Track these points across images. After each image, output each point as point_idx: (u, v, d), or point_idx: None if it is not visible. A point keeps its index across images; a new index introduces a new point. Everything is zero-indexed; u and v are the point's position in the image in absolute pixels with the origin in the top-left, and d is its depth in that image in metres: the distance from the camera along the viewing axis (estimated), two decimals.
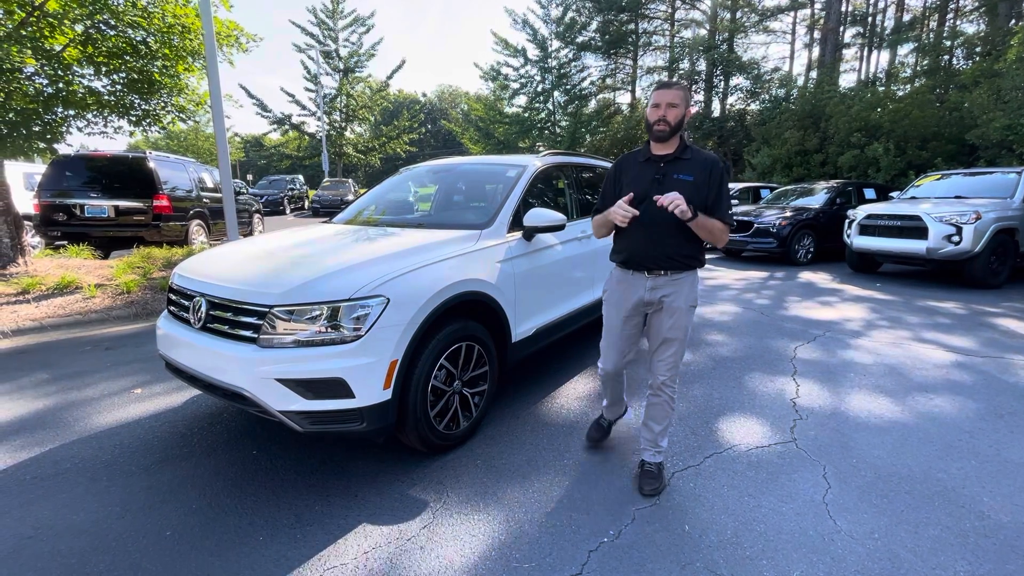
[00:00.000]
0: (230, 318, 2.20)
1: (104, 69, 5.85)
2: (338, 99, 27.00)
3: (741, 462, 2.46)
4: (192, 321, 2.34)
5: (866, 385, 3.40)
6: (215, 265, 2.55)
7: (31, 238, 8.68)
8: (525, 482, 2.30)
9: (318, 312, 2.08)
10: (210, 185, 9.87)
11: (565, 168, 3.83)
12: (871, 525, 1.99)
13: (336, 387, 2.05)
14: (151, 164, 8.08)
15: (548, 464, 2.45)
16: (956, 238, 6.54)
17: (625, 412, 2.78)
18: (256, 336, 2.10)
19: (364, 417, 2.11)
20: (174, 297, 2.58)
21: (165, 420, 2.91)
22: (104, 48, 5.66)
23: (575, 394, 3.27)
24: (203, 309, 2.30)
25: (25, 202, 8.28)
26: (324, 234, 2.97)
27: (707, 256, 10.13)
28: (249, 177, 42.66)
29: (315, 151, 27.31)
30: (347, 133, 28.21)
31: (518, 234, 2.99)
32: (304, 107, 26.87)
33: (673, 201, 1.91)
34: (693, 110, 2.14)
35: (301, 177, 26.67)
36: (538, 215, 2.83)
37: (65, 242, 8.13)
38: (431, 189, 3.81)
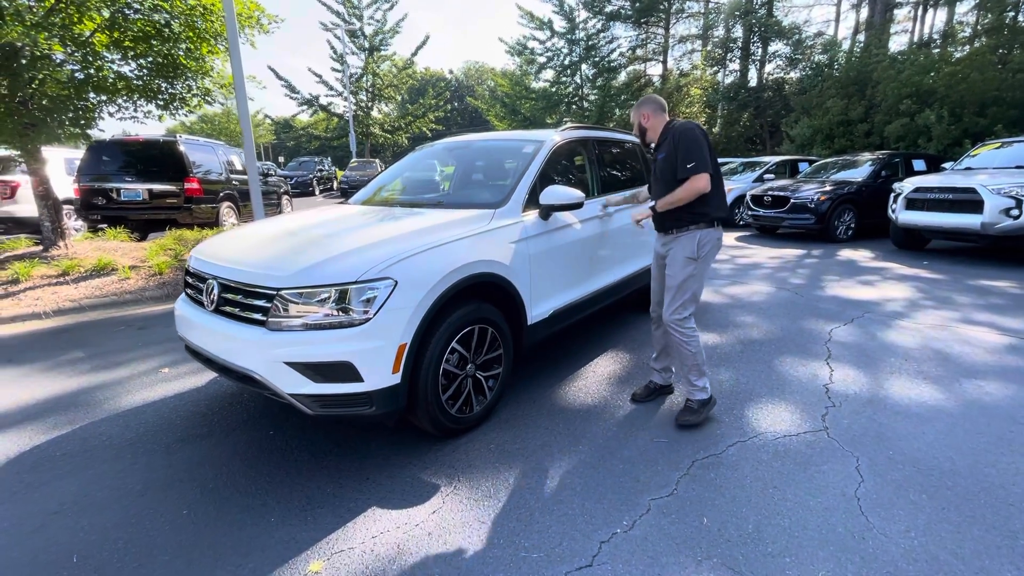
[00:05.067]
0: (241, 301, 2.19)
1: (131, 54, 5.92)
2: (364, 78, 26.95)
3: (767, 451, 2.33)
4: (206, 303, 2.35)
5: (907, 371, 3.19)
6: (229, 247, 2.55)
7: (73, 222, 9.06)
8: (538, 468, 2.24)
9: (325, 295, 2.04)
10: (239, 167, 10.02)
11: (587, 143, 3.65)
12: (907, 523, 1.85)
13: (344, 371, 2.02)
14: (181, 148, 8.23)
15: (563, 450, 2.39)
16: (1015, 212, 6.03)
17: (670, 388, 2.95)
18: (265, 319, 2.08)
19: (373, 401, 2.08)
20: (190, 280, 2.60)
21: (188, 399, 2.98)
22: (130, 33, 5.71)
23: (595, 377, 3.18)
24: (215, 292, 2.30)
25: (66, 187, 8.61)
26: (338, 215, 2.93)
27: (740, 234, 9.81)
28: (281, 159, 43.40)
29: (343, 132, 27.46)
30: (374, 112, 28.21)
31: (535, 213, 2.88)
32: (331, 87, 26.96)
33: (640, 218, 2.69)
34: (635, 121, 2.68)
35: (329, 159, 27.01)
36: (553, 193, 2.71)
37: (105, 225, 8.46)
38: (447, 167, 3.72)
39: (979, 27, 17.75)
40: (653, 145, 2.64)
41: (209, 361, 2.37)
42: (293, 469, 2.27)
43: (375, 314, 2.03)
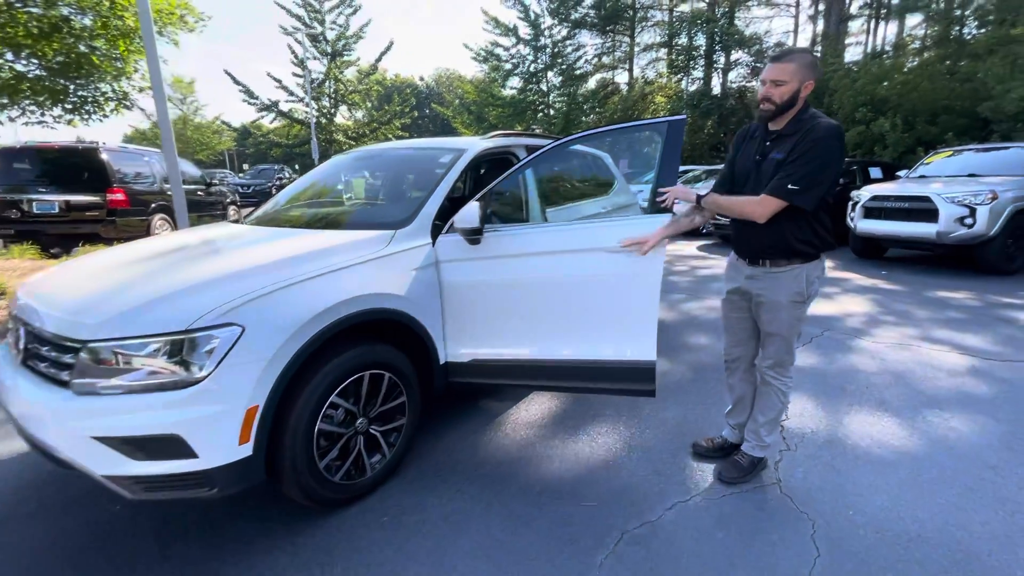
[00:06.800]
0: (45, 354, 1.72)
1: (26, 52, 5.31)
2: (326, 84, 26.22)
3: (710, 516, 1.98)
4: (14, 354, 1.87)
5: (868, 401, 2.91)
6: (54, 282, 2.07)
7: None
8: (434, 551, 1.83)
9: (145, 348, 1.59)
10: None
11: (522, 152, 3.25)
12: None
13: (171, 445, 1.58)
14: (103, 156, 7.55)
15: (469, 520, 1.98)
16: (969, 220, 5.97)
17: (738, 447, 2.33)
18: (69, 380, 1.62)
19: (213, 480, 1.64)
20: (11, 323, 2.10)
21: (30, 462, 2.45)
22: (21, 29, 5.10)
23: (527, 417, 2.79)
24: (23, 340, 1.82)
25: None
26: (202, 238, 2.47)
27: (702, 243, 9.60)
28: (245, 166, 42.00)
29: (307, 139, 26.64)
30: (337, 119, 27.46)
31: (454, 235, 2.42)
32: (292, 93, 26.11)
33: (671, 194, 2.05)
34: (797, 86, 1.85)
35: (297, 166, 26.19)
36: (460, 214, 2.25)
37: (21, 241, 7.69)
38: (354, 180, 3.28)
39: (927, 38, 18.35)
40: (774, 129, 1.94)
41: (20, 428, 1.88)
42: (125, 563, 1.80)
43: (212, 372, 1.59)
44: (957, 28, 16.74)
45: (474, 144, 2.87)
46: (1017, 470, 2.21)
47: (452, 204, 2.50)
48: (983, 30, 15.07)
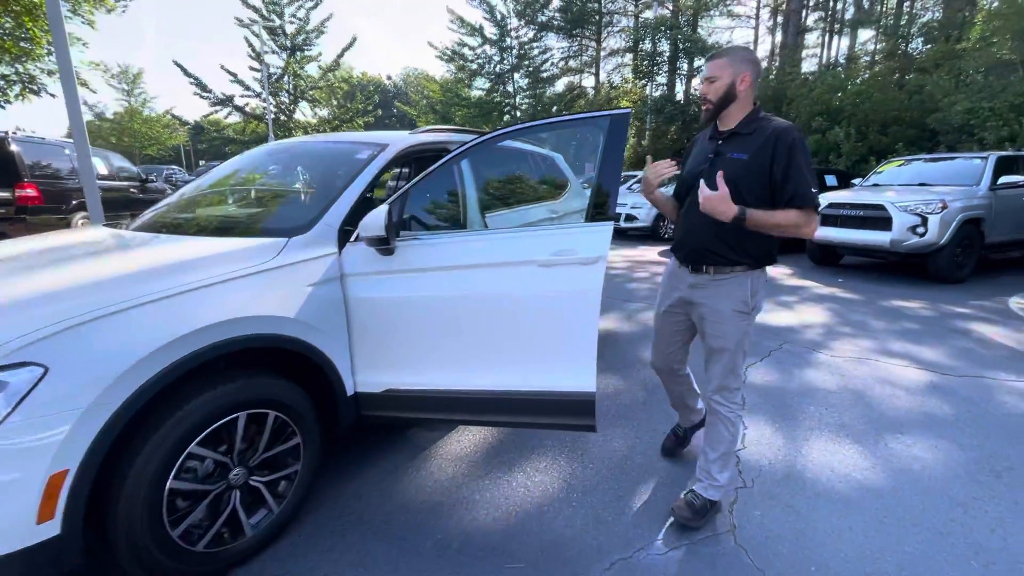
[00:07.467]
0: None
1: None
2: (284, 79, 25.24)
3: None
4: None
5: (829, 424, 2.70)
6: None
7: None
8: None
9: None
10: (104, 172, 8.62)
11: (455, 149, 2.89)
12: None
13: None
14: (13, 147, 6.81)
15: None
16: (921, 229, 6.01)
17: (702, 422, 2.27)
18: None
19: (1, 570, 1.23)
20: None
21: None
22: None
23: (453, 454, 2.45)
24: None
25: None
26: (44, 246, 2.02)
27: (664, 248, 9.49)
28: (202, 163, 40.20)
29: (265, 135, 25.56)
30: (297, 115, 26.49)
31: (364, 246, 2.04)
32: (248, 87, 24.98)
33: (710, 200, 1.67)
34: (730, 80, 1.78)
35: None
36: (365, 220, 1.88)
37: None
38: (256, 177, 2.86)
39: (877, 50, 19.11)
40: (725, 128, 1.85)
41: None
42: None
43: None
44: (904, 43, 17.46)
45: (399, 139, 2.51)
46: (987, 507, 2.02)
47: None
48: (928, 46, 15.75)
